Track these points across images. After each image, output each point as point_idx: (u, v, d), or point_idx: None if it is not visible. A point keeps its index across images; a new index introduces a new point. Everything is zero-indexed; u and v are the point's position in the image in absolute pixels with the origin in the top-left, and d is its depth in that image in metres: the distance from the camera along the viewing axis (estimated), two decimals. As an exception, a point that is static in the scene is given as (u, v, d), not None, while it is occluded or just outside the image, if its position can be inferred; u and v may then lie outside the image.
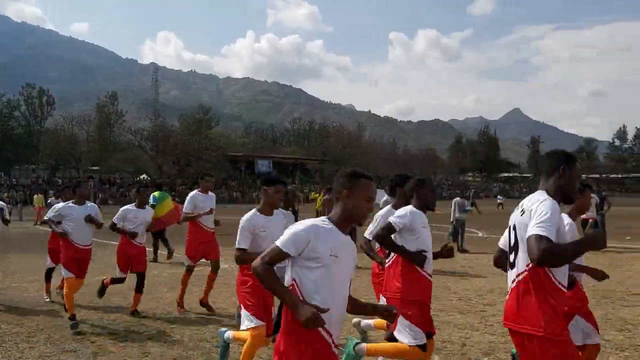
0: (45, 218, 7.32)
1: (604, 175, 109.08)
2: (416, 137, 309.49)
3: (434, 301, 7.92)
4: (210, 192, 7.57)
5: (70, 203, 6.79)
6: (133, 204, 7.23)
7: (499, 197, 49.35)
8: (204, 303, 7.22)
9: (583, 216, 15.51)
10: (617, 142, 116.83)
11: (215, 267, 7.40)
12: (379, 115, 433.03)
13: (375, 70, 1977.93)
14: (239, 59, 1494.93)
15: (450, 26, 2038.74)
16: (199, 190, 7.50)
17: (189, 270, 7.36)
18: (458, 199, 15.95)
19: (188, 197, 7.45)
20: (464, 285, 9.44)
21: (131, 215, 7.08)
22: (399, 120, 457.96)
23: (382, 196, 12.98)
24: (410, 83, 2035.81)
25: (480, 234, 20.37)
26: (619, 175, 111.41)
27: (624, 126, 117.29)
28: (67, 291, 6.43)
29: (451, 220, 15.36)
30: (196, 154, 72.57)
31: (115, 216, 7.15)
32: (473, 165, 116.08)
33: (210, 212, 7.36)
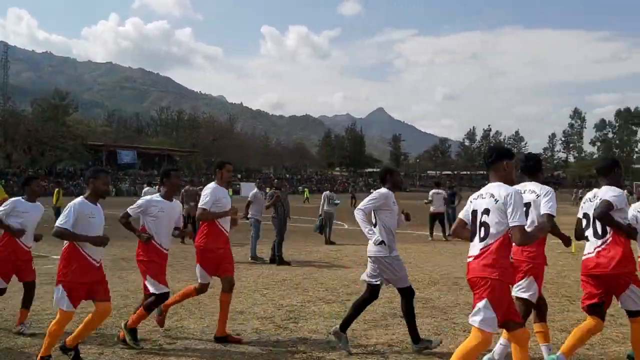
0: None
1: (456, 172, 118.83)
2: (288, 131, 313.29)
3: (302, 293, 8.14)
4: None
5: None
6: (22, 197, 6.01)
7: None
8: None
9: (432, 210, 16.80)
10: (467, 142, 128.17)
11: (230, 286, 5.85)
12: (251, 108, 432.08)
13: (247, 63, 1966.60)
14: (101, 42, 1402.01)
15: (321, 24, 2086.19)
16: (217, 183, 6.03)
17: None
18: (327, 192, 16.39)
19: (207, 190, 5.89)
20: (330, 276, 9.75)
21: (21, 208, 5.88)
22: (270, 114, 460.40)
23: (251, 189, 12.98)
24: (282, 77, 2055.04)
25: (346, 226, 21.15)
26: (469, 172, 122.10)
27: (473, 127, 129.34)
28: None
29: (320, 213, 15.76)
30: (51, 143, 66.99)
31: (1, 208, 5.92)
32: (341, 160, 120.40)
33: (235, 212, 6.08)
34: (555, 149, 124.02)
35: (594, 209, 4.60)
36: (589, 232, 4.70)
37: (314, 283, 9.03)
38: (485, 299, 3.68)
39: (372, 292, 5.38)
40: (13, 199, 6.06)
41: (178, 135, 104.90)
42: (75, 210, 4.72)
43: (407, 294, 5.39)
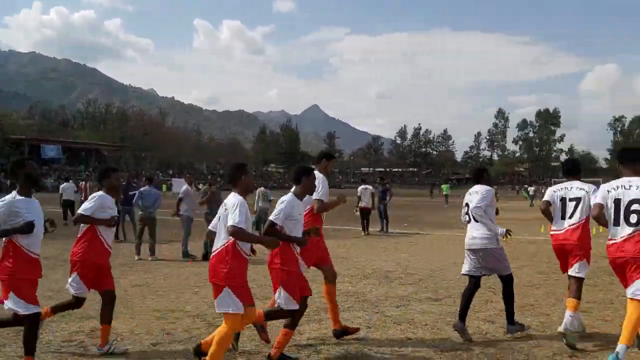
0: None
1: (388, 169, 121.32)
2: (221, 126, 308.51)
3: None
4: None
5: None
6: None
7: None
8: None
9: (362, 205, 17.11)
10: (399, 140, 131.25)
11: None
12: (183, 103, 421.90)
13: (180, 56, 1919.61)
14: (24, 31, 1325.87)
15: (255, 20, 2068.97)
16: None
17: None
18: (262, 188, 16.28)
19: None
20: (264, 272, 9.69)
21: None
22: (203, 108, 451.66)
23: (181, 185, 12.67)
24: (215, 72, 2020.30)
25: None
26: (400, 169, 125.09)
27: (404, 126, 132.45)
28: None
29: (255, 209, 15.64)
30: (-34, 136, 62.66)
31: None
32: (276, 156, 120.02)
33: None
34: (481, 147, 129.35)
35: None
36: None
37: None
38: None
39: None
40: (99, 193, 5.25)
41: (106, 129, 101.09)
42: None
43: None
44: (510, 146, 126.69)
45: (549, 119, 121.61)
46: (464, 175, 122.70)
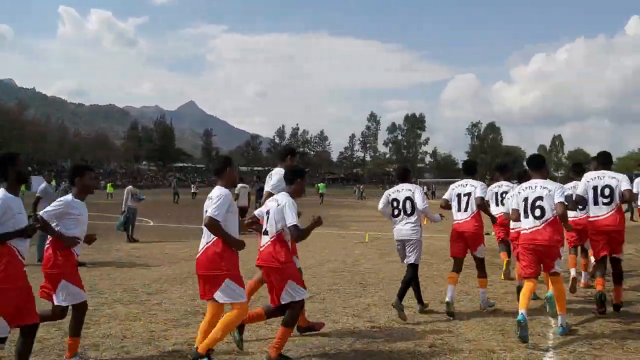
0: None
1: (266, 168, 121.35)
2: (89, 121, 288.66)
3: (97, 295, 7.46)
4: None
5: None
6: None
7: (192, 185, 51.28)
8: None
9: (238, 205, 16.90)
10: (277, 139, 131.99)
11: None
12: (46, 95, 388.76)
13: (42, 45, 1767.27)
14: None
15: (127, 10, 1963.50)
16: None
17: None
18: (131, 187, 15.42)
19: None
20: (131, 275, 9.17)
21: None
22: (69, 101, 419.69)
23: (39, 183, 11.59)
24: (82, 63, 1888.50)
25: (151, 223, 20.20)
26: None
27: (282, 126, 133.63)
28: None
29: (123, 209, 14.77)
30: None
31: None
32: (149, 153, 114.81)
33: None
34: (355, 149, 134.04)
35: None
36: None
37: (111, 284, 8.39)
38: None
39: None
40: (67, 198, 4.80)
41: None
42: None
43: None
44: (381, 148, 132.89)
45: (415, 123, 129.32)
46: (339, 175, 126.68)
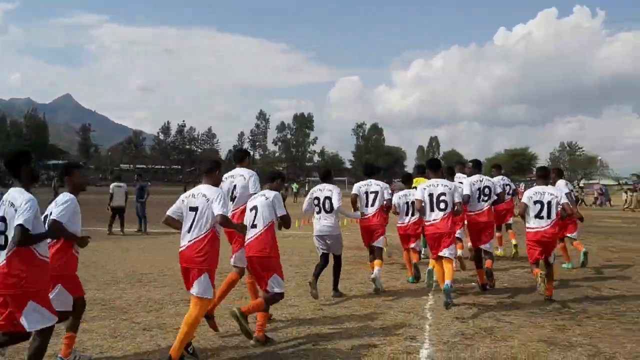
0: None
1: (150, 166, 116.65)
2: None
3: None
4: None
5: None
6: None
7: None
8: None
9: (114, 204, 16.01)
10: (162, 136, 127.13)
11: None
12: None
13: None
14: None
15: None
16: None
17: None
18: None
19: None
20: None
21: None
22: None
23: None
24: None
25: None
26: (163, 167, 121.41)
27: (168, 122, 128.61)
28: None
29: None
30: None
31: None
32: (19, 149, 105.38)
33: None
34: (244, 146, 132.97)
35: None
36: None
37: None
38: None
39: None
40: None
41: None
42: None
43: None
44: (271, 146, 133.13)
45: (304, 122, 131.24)
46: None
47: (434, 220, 7.01)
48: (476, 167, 8.66)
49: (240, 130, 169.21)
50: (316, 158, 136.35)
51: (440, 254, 6.93)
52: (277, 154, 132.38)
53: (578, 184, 52.77)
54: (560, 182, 9.34)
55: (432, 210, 7.03)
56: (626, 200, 33.18)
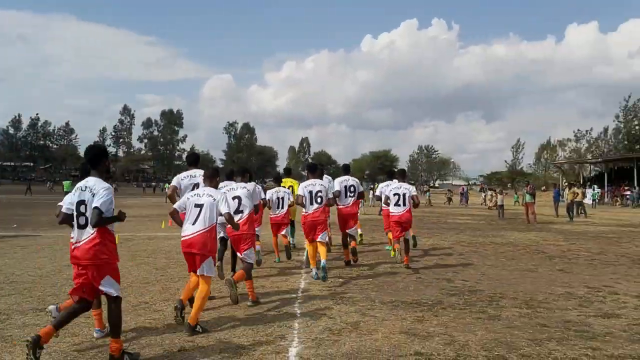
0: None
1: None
2: None
3: None
4: None
5: None
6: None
7: None
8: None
9: None
10: (12, 130, 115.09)
11: None
12: None
13: None
14: None
15: None
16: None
17: None
18: None
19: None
20: None
21: None
22: None
23: None
24: None
25: None
26: (13, 163, 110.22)
27: (19, 115, 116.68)
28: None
29: None
30: None
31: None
32: None
33: None
34: (106, 143, 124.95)
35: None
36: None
37: None
38: None
39: None
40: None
41: None
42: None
43: None
44: (136, 143, 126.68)
45: (172, 119, 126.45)
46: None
47: (313, 211, 8.66)
48: (345, 170, 10.73)
49: (102, 125, 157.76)
50: (185, 156, 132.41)
51: (318, 239, 8.54)
52: (142, 152, 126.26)
53: (433, 184, 57.49)
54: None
55: (311, 204, 8.71)
56: (485, 199, 36.69)
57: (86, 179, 4.85)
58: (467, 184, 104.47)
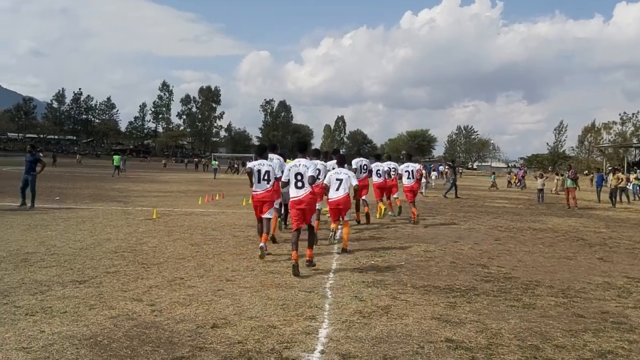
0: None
1: (42, 136, 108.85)
2: None
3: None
4: None
5: None
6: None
7: None
8: None
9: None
10: (56, 104, 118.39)
11: None
12: None
13: None
14: None
15: None
16: None
17: None
18: None
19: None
20: None
21: None
22: None
23: None
24: None
25: None
26: (57, 137, 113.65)
27: (62, 89, 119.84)
28: None
29: None
30: None
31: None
32: None
33: None
34: (146, 119, 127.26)
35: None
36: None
37: None
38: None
39: None
40: None
41: None
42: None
43: None
44: (175, 119, 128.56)
45: (210, 96, 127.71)
46: (127, 145, 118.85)
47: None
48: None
49: (142, 101, 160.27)
50: (222, 133, 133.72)
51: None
52: (181, 127, 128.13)
53: (472, 165, 55.44)
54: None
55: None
56: (556, 184, 34.79)
57: (299, 159, 8.19)
58: (506, 166, 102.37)
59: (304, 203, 7.98)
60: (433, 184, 35.16)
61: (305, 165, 8.06)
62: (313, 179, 8.06)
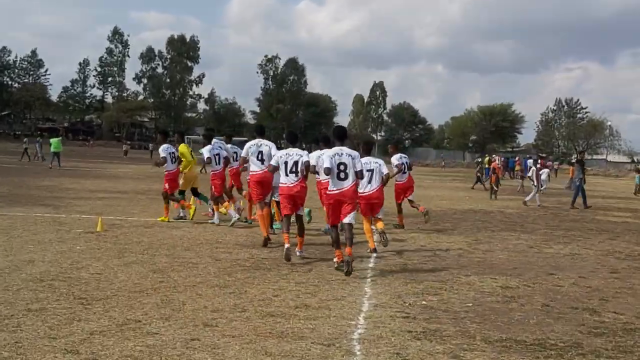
0: None
1: None
2: None
3: None
4: None
5: None
6: None
7: None
8: None
9: None
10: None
11: None
12: None
13: None
14: None
15: None
16: None
17: None
18: None
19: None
20: None
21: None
22: None
23: None
24: None
25: None
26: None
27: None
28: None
29: None
30: None
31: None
32: None
33: None
34: (88, 84, 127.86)
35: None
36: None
37: None
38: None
39: None
40: None
41: None
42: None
43: None
44: (131, 85, 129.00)
45: (184, 50, 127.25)
46: (60, 124, 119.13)
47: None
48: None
49: (82, 57, 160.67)
50: (202, 106, 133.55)
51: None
52: (140, 97, 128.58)
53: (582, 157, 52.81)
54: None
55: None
56: None
57: (342, 149, 10.78)
58: (630, 160, 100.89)
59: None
60: (544, 187, 33.60)
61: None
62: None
